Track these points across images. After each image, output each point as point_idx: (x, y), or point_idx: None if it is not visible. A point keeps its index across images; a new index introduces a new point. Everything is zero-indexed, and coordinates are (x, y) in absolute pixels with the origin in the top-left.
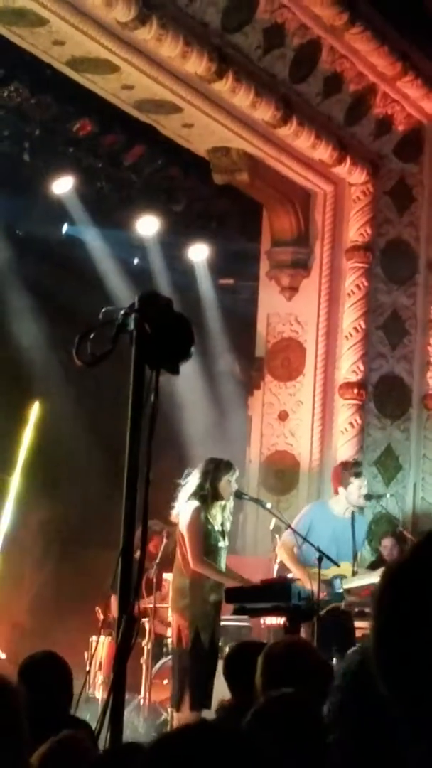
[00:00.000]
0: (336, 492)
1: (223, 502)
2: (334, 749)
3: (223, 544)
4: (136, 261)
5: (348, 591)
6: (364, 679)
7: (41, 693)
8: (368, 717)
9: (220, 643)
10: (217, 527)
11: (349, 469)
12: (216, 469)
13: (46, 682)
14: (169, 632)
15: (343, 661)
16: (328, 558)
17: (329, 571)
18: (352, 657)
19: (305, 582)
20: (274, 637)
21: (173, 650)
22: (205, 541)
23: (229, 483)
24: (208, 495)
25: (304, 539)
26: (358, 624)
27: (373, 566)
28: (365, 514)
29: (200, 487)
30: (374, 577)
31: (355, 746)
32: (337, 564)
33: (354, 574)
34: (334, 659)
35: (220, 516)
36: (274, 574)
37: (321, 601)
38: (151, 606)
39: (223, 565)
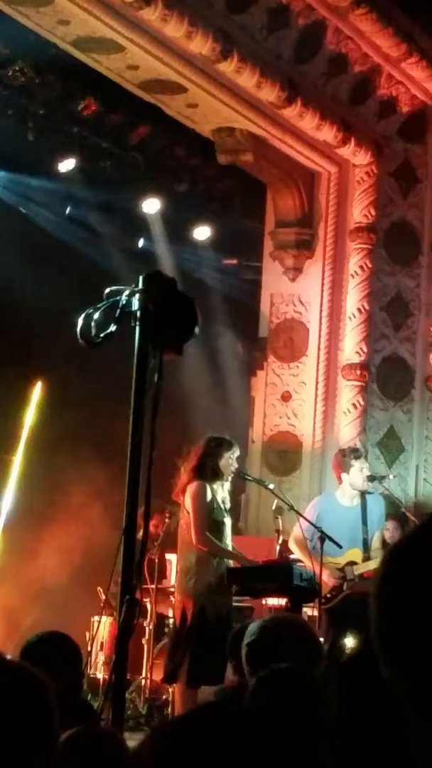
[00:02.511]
0: (339, 480)
1: (224, 480)
2: (337, 734)
3: (227, 520)
4: (140, 242)
5: (360, 576)
6: (366, 661)
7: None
8: (370, 700)
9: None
10: (220, 503)
11: (348, 454)
12: (217, 446)
13: (54, 664)
14: (170, 612)
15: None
16: (330, 539)
17: (342, 559)
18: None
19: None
20: None
21: (173, 629)
22: (210, 516)
23: (229, 460)
24: (209, 472)
25: (309, 522)
26: None
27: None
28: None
29: (202, 464)
30: None
31: (358, 729)
32: (339, 545)
33: (366, 560)
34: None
35: (221, 492)
36: (277, 555)
37: (334, 589)
38: (153, 586)
39: (229, 542)
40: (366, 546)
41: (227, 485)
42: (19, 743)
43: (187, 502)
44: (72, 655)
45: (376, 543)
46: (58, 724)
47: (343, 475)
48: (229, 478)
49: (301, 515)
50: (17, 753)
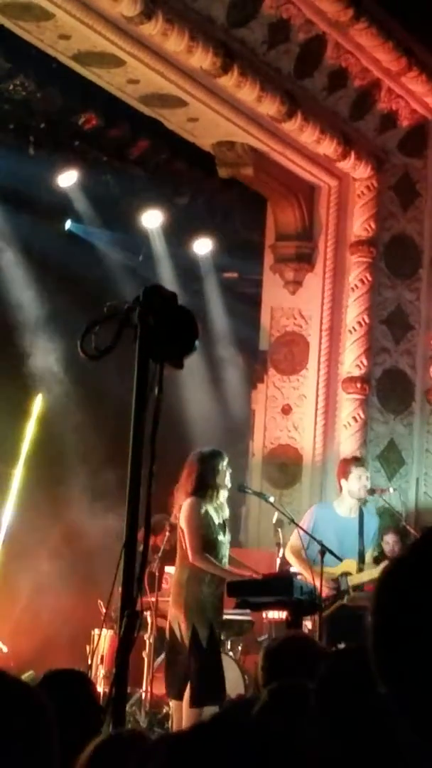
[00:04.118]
0: (340, 488)
1: (224, 491)
2: (329, 744)
3: (223, 537)
4: (141, 255)
5: (354, 588)
6: (362, 675)
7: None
8: (365, 713)
9: (223, 638)
10: (217, 520)
11: (350, 461)
12: (206, 460)
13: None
14: (167, 625)
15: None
16: (331, 552)
17: (336, 569)
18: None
19: (316, 583)
20: (276, 630)
21: (168, 643)
22: (205, 534)
23: (225, 470)
24: (203, 488)
25: (309, 535)
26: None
27: (376, 561)
28: (368, 507)
29: (195, 481)
30: (377, 572)
31: (352, 742)
32: (339, 558)
33: (360, 571)
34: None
35: (216, 508)
36: (277, 568)
37: (328, 598)
38: (154, 599)
39: (225, 560)
40: (361, 557)
41: (224, 493)
42: (14, 761)
43: (182, 519)
44: (92, 695)
45: (369, 557)
46: (57, 745)
47: (343, 482)
48: (226, 488)
49: (302, 528)
50: None
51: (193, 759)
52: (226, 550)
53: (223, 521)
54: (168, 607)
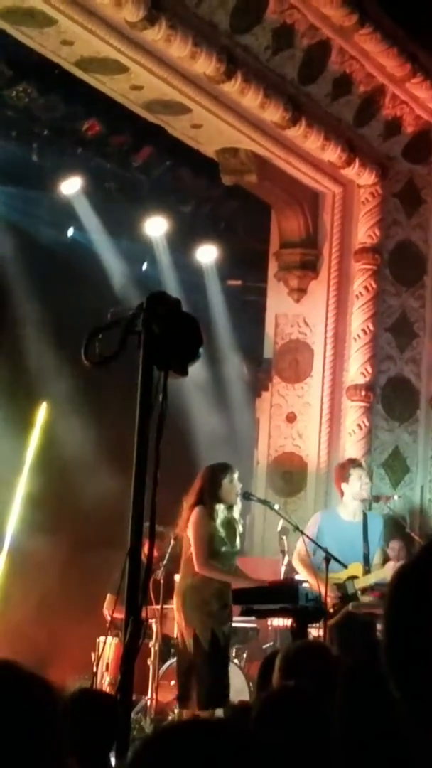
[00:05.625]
0: (341, 493)
1: (226, 505)
2: (339, 746)
3: (228, 548)
4: (144, 263)
5: (361, 591)
6: (374, 679)
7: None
8: (377, 717)
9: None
10: (221, 531)
11: (347, 464)
12: (215, 473)
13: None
14: (175, 633)
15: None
16: (336, 559)
17: (342, 575)
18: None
19: (322, 590)
20: (281, 638)
21: (177, 651)
22: (210, 544)
23: (231, 484)
24: (210, 499)
25: (314, 542)
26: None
27: (382, 563)
28: (372, 512)
29: (202, 493)
30: (383, 573)
31: (361, 746)
32: (344, 565)
33: (366, 574)
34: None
35: (227, 520)
36: (282, 576)
37: (333, 606)
38: (159, 607)
39: (232, 570)
40: (367, 561)
41: (237, 509)
42: (24, 751)
43: (189, 529)
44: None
45: (377, 559)
46: (66, 741)
47: (344, 486)
48: (238, 503)
49: (307, 536)
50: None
51: (188, 750)
52: (232, 561)
53: (235, 532)
54: (173, 615)
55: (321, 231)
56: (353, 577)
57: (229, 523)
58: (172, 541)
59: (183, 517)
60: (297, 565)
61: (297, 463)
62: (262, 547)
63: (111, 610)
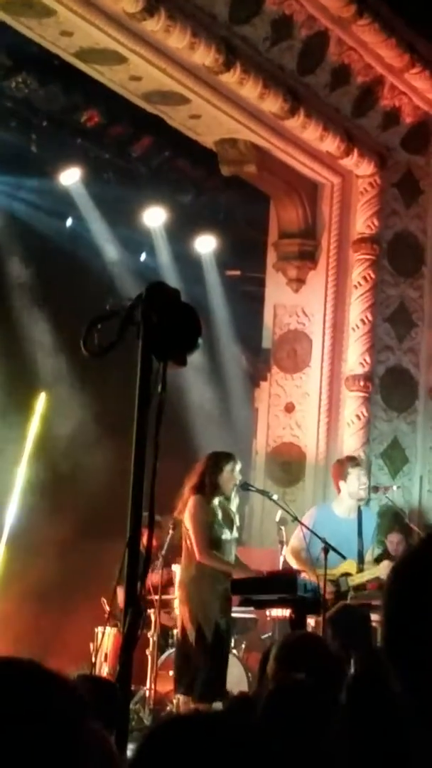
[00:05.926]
0: (338, 489)
1: (226, 495)
2: (341, 741)
3: (228, 536)
4: (143, 254)
5: (354, 588)
6: (377, 674)
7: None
8: (378, 712)
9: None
10: (221, 519)
11: (346, 462)
12: (216, 461)
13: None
14: (179, 624)
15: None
16: (334, 549)
17: (336, 570)
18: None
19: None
20: (279, 628)
21: (177, 640)
22: (209, 533)
23: (231, 473)
24: (208, 487)
25: (312, 532)
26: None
27: (376, 561)
28: (371, 506)
29: (201, 480)
30: (378, 571)
31: (363, 741)
32: (343, 556)
33: (360, 571)
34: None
35: (223, 508)
36: (280, 566)
37: (328, 601)
38: (157, 597)
39: (232, 558)
40: (360, 558)
41: (235, 500)
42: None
43: (186, 517)
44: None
45: (369, 556)
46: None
47: (341, 484)
48: (235, 493)
49: (304, 525)
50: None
51: (191, 743)
52: (231, 549)
53: (232, 521)
54: (172, 605)
55: (320, 221)
56: (347, 574)
57: (226, 512)
58: (171, 531)
59: (183, 498)
60: (289, 558)
61: (295, 454)
62: (260, 538)
63: (121, 602)
